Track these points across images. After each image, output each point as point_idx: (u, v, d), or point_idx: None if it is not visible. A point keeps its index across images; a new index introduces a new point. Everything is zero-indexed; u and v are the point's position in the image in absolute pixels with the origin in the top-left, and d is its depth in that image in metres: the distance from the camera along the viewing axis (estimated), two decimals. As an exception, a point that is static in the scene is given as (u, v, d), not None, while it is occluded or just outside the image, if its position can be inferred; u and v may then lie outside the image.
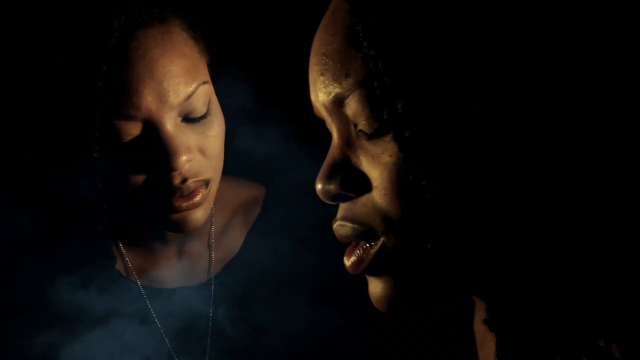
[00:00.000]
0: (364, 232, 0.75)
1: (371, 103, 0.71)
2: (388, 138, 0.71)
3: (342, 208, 0.78)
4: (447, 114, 0.69)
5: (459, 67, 0.68)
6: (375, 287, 0.77)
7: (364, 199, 0.75)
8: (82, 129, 1.12)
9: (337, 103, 0.74)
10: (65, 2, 1.14)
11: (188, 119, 1.17)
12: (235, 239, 1.33)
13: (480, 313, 0.81)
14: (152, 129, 1.14)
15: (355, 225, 0.76)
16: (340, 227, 0.77)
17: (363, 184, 0.74)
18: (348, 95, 0.72)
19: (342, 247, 0.80)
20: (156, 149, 1.13)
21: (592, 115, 0.69)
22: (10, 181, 1.24)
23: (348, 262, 0.78)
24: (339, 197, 0.77)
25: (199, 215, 1.19)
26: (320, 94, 0.75)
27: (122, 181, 1.15)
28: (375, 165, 0.73)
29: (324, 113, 0.77)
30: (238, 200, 1.36)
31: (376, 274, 0.76)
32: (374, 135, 0.72)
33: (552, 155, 0.69)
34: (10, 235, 1.25)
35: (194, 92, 1.16)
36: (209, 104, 1.19)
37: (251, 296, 1.28)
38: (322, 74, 0.74)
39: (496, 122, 0.69)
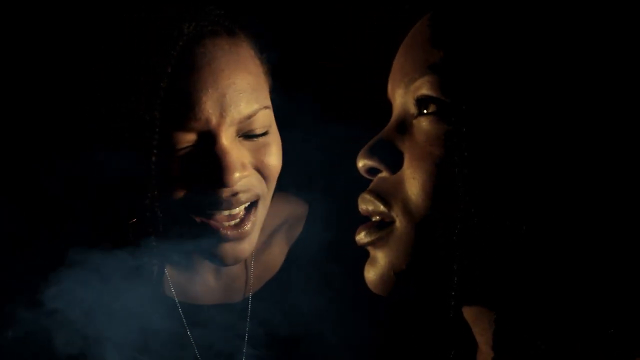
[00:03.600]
0: (383, 212, 0.80)
1: (437, 90, 0.76)
2: (439, 128, 0.76)
3: (374, 182, 0.83)
4: (505, 127, 0.72)
5: (525, 84, 0.72)
6: (372, 262, 0.82)
7: (395, 178, 0.80)
8: (140, 132, 1.09)
9: (409, 82, 0.79)
10: (135, 4, 1.12)
11: (246, 135, 1.14)
12: (276, 257, 1.31)
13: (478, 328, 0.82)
14: (209, 142, 1.11)
15: (378, 202, 0.81)
16: (365, 199, 0.83)
17: (399, 164, 0.79)
18: (419, 78, 0.78)
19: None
20: (211, 163, 1.10)
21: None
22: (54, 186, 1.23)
23: (358, 235, 0.83)
24: (373, 171, 0.83)
25: (245, 246, 1.17)
26: (398, 73, 0.81)
27: (173, 193, 1.12)
28: (417, 151, 0.78)
29: (394, 92, 0.82)
30: (280, 217, 1.34)
31: (377, 250, 0.81)
32: (427, 122, 0.77)
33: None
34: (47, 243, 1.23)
35: (254, 113, 1.13)
36: (268, 128, 1.17)
37: (289, 315, 1.26)
38: (405, 55, 0.81)
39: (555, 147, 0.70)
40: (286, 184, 1.33)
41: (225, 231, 1.15)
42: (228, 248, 1.16)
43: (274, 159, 1.18)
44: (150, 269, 1.22)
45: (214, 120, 1.10)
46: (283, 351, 1.25)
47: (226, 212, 1.14)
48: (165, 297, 1.26)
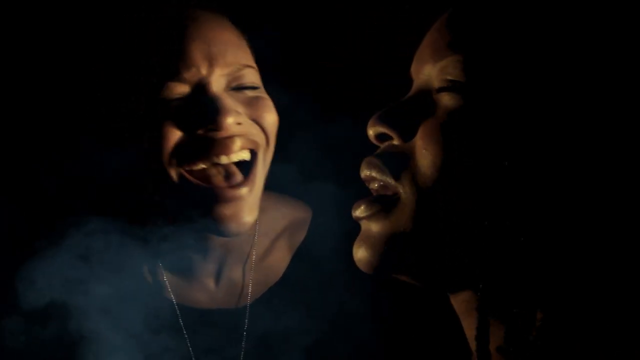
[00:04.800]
0: (388, 182, 0.79)
1: (463, 69, 0.76)
2: (459, 105, 0.76)
3: (382, 148, 0.82)
4: (524, 113, 0.72)
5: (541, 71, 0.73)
6: (364, 237, 0.80)
7: (405, 147, 0.79)
8: (131, 92, 1.13)
9: (437, 59, 0.79)
10: None
11: (237, 88, 1.18)
12: (279, 262, 1.30)
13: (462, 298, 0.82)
14: (201, 92, 1.14)
15: (386, 170, 0.79)
16: (370, 164, 0.81)
17: (411, 133, 0.79)
18: (448, 56, 0.78)
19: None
20: (204, 110, 1.13)
21: None
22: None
23: (357, 209, 0.81)
24: (383, 137, 0.81)
25: (245, 211, 1.16)
26: (428, 49, 0.81)
27: (168, 146, 1.13)
28: (433, 123, 0.77)
29: (421, 68, 0.82)
30: (283, 222, 1.33)
31: (371, 223, 0.79)
32: (449, 98, 0.77)
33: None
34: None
35: (242, 67, 1.17)
36: (258, 85, 1.20)
37: (291, 321, 1.24)
38: (437, 33, 0.81)
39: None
40: (287, 187, 1.32)
41: (222, 191, 1.15)
42: (227, 212, 1.15)
43: (269, 111, 1.20)
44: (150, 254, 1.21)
45: (203, 69, 1.14)
46: (282, 358, 1.24)
47: (224, 158, 1.15)
48: (164, 300, 1.25)
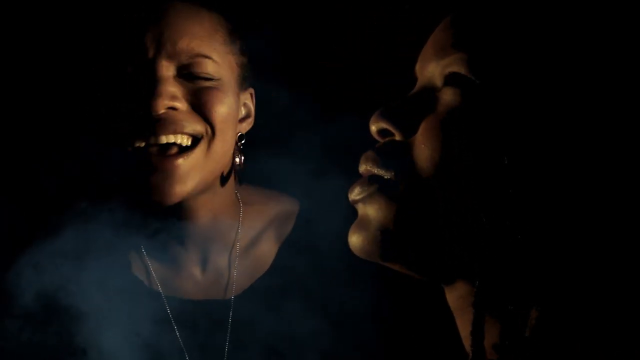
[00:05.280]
0: (383, 178, 0.79)
1: (466, 67, 0.76)
2: (461, 102, 0.76)
3: (381, 143, 0.82)
4: (527, 114, 0.72)
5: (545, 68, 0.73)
6: (359, 223, 0.80)
7: (405, 143, 0.79)
8: (82, 71, 1.19)
9: (441, 57, 0.79)
10: None
11: (189, 76, 1.20)
12: (266, 253, 1.32)
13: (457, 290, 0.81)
14: (145, 74, 1.18)
15: (381, 163, 0.80)
16: (368, 158, 0.81)
17: (412, 129, 0.79)
18: (451, 54, 0.78)
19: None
20: (141, 92, 1.17)
21: None
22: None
23: (352, 192, 0.82)
24: (385, 133, 0.82)
25: (174, 183, 1.18)
26: (432, 48, 0.81)
27: (111, 123, 1.18)
28: (434, 120, 0.77)
29: (425, 66, 0.82)
30: (270, 214, 1.34)
31: (367, 207, 0.79)
32: (451, 95, 0.77)
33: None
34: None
35: (193, 57, 1.19)
36: (216, 78, 1.21)
37: (277, 313, 1.25)
38: (442, 32, 0.81)
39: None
40: (286, 186, 1.33)
41: (153, 159, 1.18)
42: (154, 180, 1.18)
43: (216, 103, 1.21)
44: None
45: (150, 53, 1.18)
46: (266, 350, 1.25)
47: (152, 139, 1.18)
48: (151, 290, 1.26)
